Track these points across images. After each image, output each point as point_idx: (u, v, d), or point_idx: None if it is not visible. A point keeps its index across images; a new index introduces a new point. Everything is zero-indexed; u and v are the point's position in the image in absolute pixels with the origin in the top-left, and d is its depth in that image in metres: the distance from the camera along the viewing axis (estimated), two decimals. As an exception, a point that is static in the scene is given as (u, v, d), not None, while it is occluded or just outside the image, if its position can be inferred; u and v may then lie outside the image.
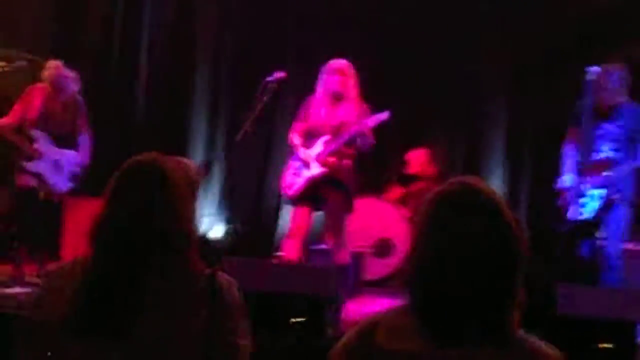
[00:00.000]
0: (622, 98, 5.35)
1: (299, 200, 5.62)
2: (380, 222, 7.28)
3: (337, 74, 5.50)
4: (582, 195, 5.35)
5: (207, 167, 8.24)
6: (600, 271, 5.33)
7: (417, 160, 7.77)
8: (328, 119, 5.56)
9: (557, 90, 7.15)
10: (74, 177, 6.20)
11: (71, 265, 2.10)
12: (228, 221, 8.19)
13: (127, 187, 2.08)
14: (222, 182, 8.30)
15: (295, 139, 5.69)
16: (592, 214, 5.37)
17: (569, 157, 5.53)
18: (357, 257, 6.74)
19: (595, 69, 5.22)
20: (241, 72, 8.11)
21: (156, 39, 8.40)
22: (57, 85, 6.09)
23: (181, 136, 8.30)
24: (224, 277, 2.11)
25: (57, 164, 6.11)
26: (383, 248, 7.24)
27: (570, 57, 7.17)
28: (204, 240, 7.62)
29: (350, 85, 5.55)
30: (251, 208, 8.18)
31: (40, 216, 5.99)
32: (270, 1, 8.37)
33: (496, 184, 7.68)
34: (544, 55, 7.59)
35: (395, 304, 1.79)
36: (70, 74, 6.20)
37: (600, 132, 5.36)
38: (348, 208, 5.64)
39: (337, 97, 5.54)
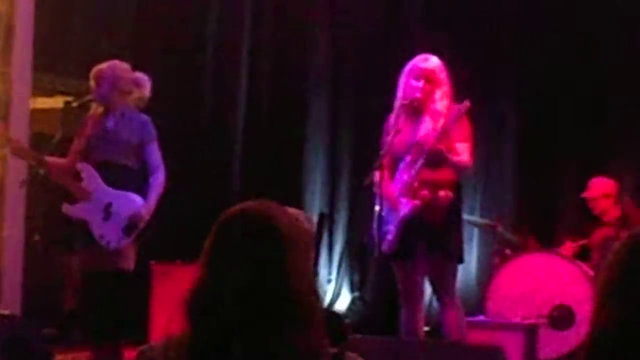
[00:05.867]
0: None
1: (397, 255, 5.09)
2: (556, 284, 6.52)
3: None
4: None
5: (323, 219, 7.65)
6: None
7: (601, 188, 6.92)
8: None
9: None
10: (129, 229, 4.74)
11: (164, 345, 1.89)
12: (353, 289, 7.76)
13: (229, 244, 1.86)
14: (345, 238, 7.82)
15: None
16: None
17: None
18: (530, 331, 6.16)
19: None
20: (363, 102, 7.65)
21: (258, 67, 8.06)
22: (104, 95, 4.74)
23: (292, 180, 7.79)
24: (353, 358, 1.92)
25: (107, 210, 4.75)
26: (561, 317, 6.44)
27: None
28: (328, 312, 7.02)
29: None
30: (381, 271, 7.25)
31: (107, 290, 4.69)
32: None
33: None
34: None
35: None
36: (131, 74, 4.85)
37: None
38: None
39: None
